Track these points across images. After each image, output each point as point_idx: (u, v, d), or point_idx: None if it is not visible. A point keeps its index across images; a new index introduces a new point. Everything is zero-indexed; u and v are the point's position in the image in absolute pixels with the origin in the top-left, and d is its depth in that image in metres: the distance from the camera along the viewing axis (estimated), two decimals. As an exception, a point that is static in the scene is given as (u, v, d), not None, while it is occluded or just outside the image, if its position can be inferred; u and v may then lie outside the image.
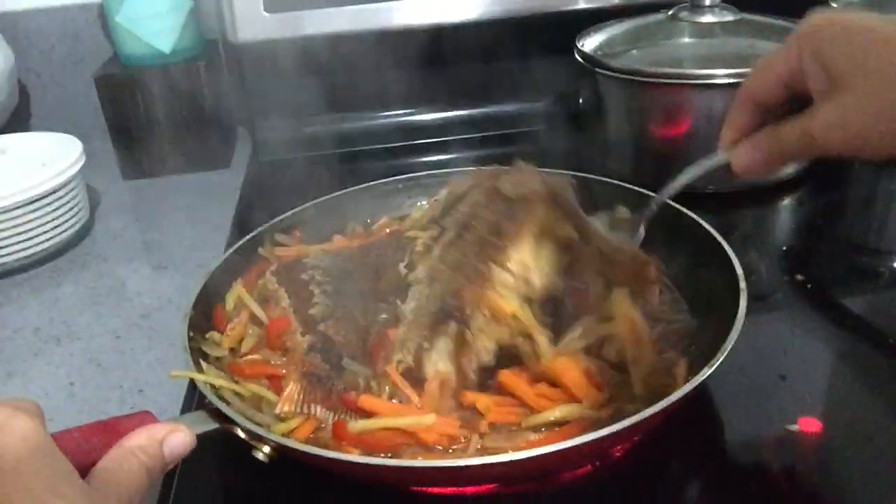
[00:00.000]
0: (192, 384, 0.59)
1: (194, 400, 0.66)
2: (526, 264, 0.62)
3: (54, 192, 0.91)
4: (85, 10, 1.19)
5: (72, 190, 0.95)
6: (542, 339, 0.60)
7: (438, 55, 1.14)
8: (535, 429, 0.57)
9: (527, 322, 0.60)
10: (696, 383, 0.52)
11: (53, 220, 0.92)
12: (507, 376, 0.60)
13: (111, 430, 0.47)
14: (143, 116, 1.09)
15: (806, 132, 0.50)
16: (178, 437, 0.47)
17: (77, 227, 0.96)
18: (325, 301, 0.69)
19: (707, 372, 0.53)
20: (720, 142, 0.58)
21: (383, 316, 0.67)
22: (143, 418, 0.49)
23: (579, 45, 1.03)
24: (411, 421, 0.56)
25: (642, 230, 0.67)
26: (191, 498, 0.58)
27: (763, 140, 0.54)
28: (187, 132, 1.11)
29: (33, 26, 1.19)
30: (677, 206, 0.74)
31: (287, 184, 1.05)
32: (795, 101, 0.52)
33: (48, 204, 0.91)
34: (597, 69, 0.98)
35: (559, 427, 0.57)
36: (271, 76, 1.15)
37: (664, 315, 0.70)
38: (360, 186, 0.88)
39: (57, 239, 0.93)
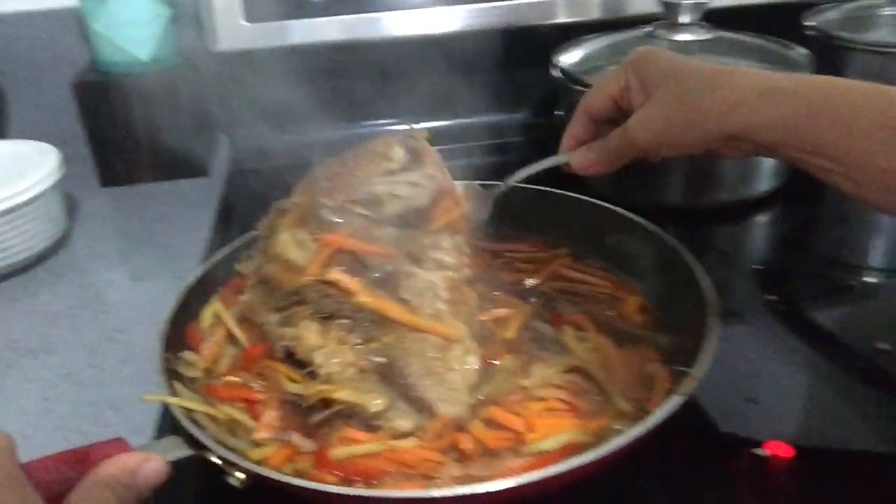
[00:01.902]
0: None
1: (169, 418, 0.66)
2: None
3: (32, 202, 0.90)
4: (62, 17, 1.17)
5: (49, 200, 0.93)
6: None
7: (418, 66, 1.14)
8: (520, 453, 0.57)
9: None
10: (662, 418, 0.52)
11: (30, 229, 0.91)
12: (495, 411, 0.60)
13: (83, 459, 0.47)
14: (121, 124, 1.08)
15: (623, 132, 0.63)
16: (151, 467, 0.47)
17: (55, 237, 0.95)
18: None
19: (676, 404, 0.53)
20: (561, 146, 0.70)
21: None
22: (116, 446, 0.49)
23: (556, 59, 1.03)
24: (391, 445, 0.57)
25: (490, 206, 0.75)
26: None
27: (595, 145, 0.67)
28: (166, 140, 1.10)
29: (9, 32, 1.17)
30: (654, 227, 0.75)
31: (266, 193, 1.04)
32: (622, 117, 0.64)
33: (25, 214, 0.90)
34: (573, 84, 0.98)
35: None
36: (251, 84, 1.14)
37: (642, 332, 0.70)
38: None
39: (34, 249, 0.92)
